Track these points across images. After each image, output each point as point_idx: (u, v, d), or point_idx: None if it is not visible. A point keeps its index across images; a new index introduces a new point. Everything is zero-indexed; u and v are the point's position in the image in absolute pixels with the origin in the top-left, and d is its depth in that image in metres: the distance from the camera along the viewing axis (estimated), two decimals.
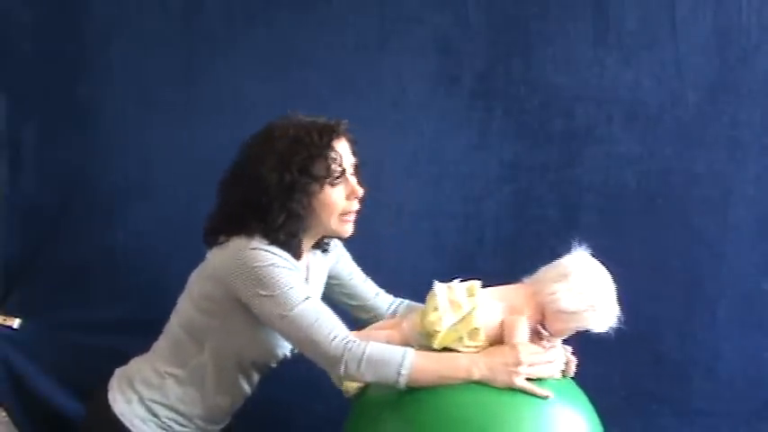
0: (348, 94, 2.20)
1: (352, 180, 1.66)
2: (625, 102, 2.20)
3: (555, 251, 2.23)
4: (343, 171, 1.62)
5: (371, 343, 1.51)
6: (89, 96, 2.19)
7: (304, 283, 1.59)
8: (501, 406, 1.47)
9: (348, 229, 1.67)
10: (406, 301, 1.86)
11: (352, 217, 1.67)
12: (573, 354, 1.62)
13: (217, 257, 1.61)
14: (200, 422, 1.70)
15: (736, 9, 2.16)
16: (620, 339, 2.23)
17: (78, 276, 2.21)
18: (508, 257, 2.22)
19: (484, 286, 1.58)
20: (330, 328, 1.52)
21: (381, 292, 1.88)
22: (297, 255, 1.62)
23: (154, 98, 2.20)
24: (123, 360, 1.78)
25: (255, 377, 1.73)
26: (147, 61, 2.19)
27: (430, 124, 2.23)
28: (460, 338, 1.51)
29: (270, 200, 1.58)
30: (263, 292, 1.52)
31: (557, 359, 1.55)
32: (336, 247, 1.83)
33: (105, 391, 1.71)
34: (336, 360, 1.49)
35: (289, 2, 2.19)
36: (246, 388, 1.72)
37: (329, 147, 1.61)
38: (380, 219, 2.20)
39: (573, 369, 1.62)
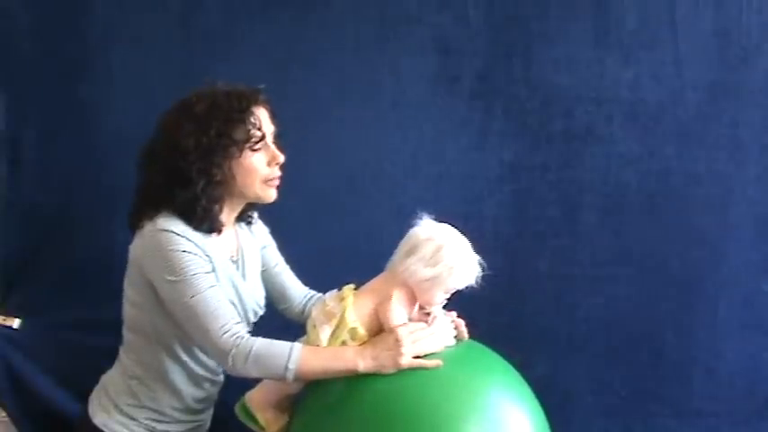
0: (348, 94, 2.20)
1: (273, 147, 1.66)
2: (625, 102, 2.20)
3: (555, 251, 2.25)
4: (263, 136, 1.63)
5: (260, 339, 1.53)
6: (89, 96, 2.19)
7: (211, 272, 1.59)
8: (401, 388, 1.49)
9: (272, 194, 1.68)
10: (317, 295, 1.85)
11: (275, 182, 1.67)
12: (458, 317, 1.64)
13: (135, 242, 1.62)
14: (178, 414, 1.71)
15: (737, 9, 2.16)
16: (621, 339, 2.26)
17: (78, 276, 2.21)
18: (508, 257, 2.22)
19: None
20: (225, 320, 1.54)
21: (298, 282, 1.89)
22: (217, 227, 1.63)
23: (154, 98, 2.19)
24: None
25: (212, 361, 1.70)
26: (147, 61, 2.19)
27: (430, 124, 2.23)
28: (344, 342, 1.55)
29: (188, 165, 1.58)
30: (170, 277, 1.54)
31: (442, 328, 1.58)
32: (264, 232, 1.84)
33: (86, 407, 1.74)
34: (224, 353, 1.52)
35: (289, 2, 2.19)
36: (207, 373, 1.71)
37: (248, 111, 1.62)
38: (380, 219, 2.19)
39: (465, 330, 1.64)
